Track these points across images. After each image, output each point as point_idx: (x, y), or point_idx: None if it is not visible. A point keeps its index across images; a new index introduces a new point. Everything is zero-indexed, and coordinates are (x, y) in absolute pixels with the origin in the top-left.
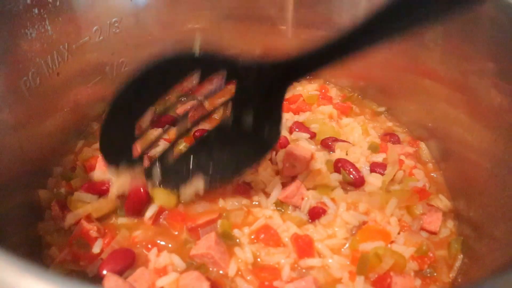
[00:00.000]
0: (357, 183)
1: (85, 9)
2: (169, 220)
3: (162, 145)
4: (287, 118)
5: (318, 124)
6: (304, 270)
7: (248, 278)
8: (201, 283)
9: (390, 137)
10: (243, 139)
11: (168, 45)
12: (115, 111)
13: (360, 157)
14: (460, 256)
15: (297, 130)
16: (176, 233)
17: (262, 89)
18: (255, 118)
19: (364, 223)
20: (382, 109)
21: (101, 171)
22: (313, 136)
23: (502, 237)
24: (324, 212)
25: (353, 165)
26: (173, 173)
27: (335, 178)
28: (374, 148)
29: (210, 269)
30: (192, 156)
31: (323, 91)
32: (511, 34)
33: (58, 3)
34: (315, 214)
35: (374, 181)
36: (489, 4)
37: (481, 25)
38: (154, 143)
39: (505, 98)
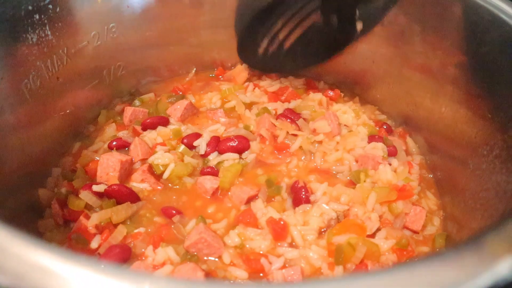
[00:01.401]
0: (394, 150)
1: (84, 14)
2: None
3: (160, 152)
4: (277, 107)
5: (309, 111)
6: (286, 265)
7: (237, 262)
8: (196, 273)
9: (383, 124)
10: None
11: (164, 49)
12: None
13: (359, 143)
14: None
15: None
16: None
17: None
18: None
19: (346, 216)
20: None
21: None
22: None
23: (479, 227)
24: (306, 200)
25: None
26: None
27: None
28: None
29: (205, 258)
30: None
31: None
32: (480, 30)
33: (58, 9)
34: (297, 199)
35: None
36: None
37: (453, 21)
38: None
39: (481, 92)
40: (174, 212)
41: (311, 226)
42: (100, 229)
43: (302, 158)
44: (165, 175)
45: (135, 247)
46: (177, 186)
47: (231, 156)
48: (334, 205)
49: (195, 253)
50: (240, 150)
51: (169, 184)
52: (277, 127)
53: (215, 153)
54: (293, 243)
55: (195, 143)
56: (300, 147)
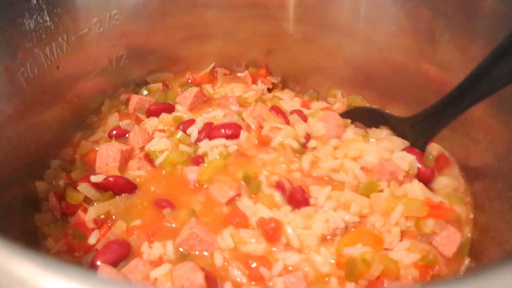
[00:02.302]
0: (429, 175)
1: (84, 0)
2: None
3: (157, 138)
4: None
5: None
6: (290, 268)
7: (237, 265)
8: (196, 273)
9: None
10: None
11: (168, 38)
12: None
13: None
14: (467, 261)
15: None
16: None
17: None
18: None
19: (356, 225)
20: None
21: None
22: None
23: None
24: (304, 202)
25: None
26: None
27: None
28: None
29: (197, 253)
30: None
31: None
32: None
33: None
34: (294, 200)
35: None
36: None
37: (483, 20)
38: None
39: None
40: (165, 204)
41: (313, 231)
42: (98, 223)
43: (284, 155)
44: (158, 162)
45: (132, 241)
46: (169, 169)
47: (220, 142)
48: (343, 214)
49: (190, 252)
50: (230, 137)
51: (163, 171)
52: (263, 119)
53: (206, 140)
54: (290, 245)
55: (187, 131)
56: (281, 143)
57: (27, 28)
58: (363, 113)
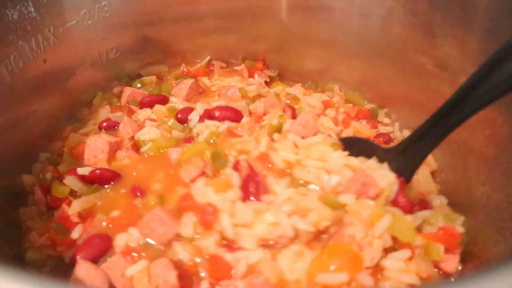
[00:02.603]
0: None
1: None
2: None
3: (147, 127)
4: None
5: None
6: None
7: (201, 262)
8: (170, 272)
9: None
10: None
11: (161, 31)
12: None
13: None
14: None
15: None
16: None
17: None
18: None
19: (317, 236)
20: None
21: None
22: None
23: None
24: (256, 195)
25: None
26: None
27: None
28: None
29: (157, 245)
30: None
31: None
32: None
33: None
34: (245, 190)
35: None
36: None
37: (481, 12)
38: None
39: None
40: (138, 193)
41: (253, 231)
42: (83, 217)
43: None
44: (143, 149)
45: (111, 233)
46: (156, 154)
47: (213, 123)
48: (296, 221)
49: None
50: (230, 120)
51: (145, 155)
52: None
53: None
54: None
55: (189, 117)
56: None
57: (10, 19)
58: (352, 143)
